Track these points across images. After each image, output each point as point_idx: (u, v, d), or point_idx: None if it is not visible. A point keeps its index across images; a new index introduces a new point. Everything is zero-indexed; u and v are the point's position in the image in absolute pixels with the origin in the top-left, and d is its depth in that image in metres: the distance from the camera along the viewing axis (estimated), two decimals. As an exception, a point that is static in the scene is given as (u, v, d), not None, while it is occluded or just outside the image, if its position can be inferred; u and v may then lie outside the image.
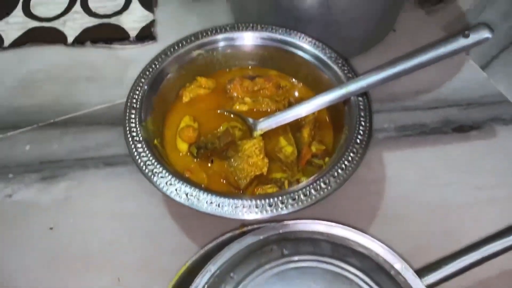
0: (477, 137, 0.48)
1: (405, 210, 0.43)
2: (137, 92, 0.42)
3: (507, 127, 0.49)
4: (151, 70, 0.44)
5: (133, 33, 0.58)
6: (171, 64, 0.45)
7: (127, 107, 0.41)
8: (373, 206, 0.43)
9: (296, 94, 0.48)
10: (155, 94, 0.43)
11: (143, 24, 0.59)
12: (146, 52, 0.55)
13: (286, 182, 0.40)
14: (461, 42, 0.39)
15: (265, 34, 0.47)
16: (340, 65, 0.44)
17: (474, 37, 0.39)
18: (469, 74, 0.53)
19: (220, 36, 0.47)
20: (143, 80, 0.43)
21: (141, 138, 0.39)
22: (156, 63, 0.44)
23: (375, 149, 0.47)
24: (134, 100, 0.42)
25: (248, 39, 0.47)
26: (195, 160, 0.42)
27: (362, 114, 0.41)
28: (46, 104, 0.51)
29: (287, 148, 0.43)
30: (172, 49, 0.45)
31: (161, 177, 0.37)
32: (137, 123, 0.40)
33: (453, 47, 0.39)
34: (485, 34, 0.39)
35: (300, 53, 0.46)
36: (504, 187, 0.45)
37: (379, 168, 0.46)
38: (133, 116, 0.41)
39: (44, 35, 0.58)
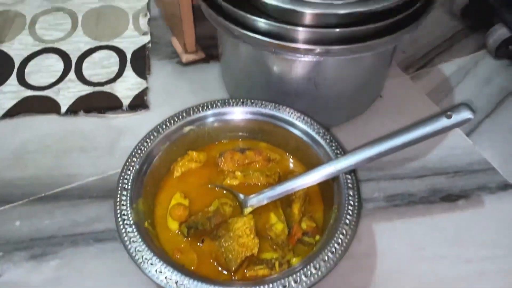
0: (464, 207, 0.49)
1: (396, 286, 0.43)
2: (129, 173, 0.42)
3: (494, 195, 0.50)
4: (142, 148, 0.44)
5: (126, 102, 0.59)
6: (163, 142, 0.45)
7: (119, 189, 0.41)
8: (364, 282, 0.43)
9: (288, 166, 0.49)
10: (146, 173, 0.44)
11: (136, 92, 0.60)
12: (139, 121, 0.57)
13: (276, 264, 0.40)
14: (444, 122, 0.41)
15: (255, 109, 0.48)
16: (328, 140, 0.45)
17: (456, 118, 0.40)
18: (455, 142, 0.55)
19: (211, 112, 0.48)
20: (134, 159, 0.43)
21: (131, 222, 0.39)
22: (148, 141, 0.45)
23: (365, 221, 0.47)
24: (126, 181, 0.42)
25: (238, 113, 0.48)
26: (185, 239, 0.42)
27: (351, 193, 0.41)
28: (38, 177, 0.52)
29: (277, 225, 0.43)
30: (163, 126, 0.46)
31: (151, 264, 0.37)
32: (128, 205, 0.40)
33: (436, 127, 0.41)
34: (467, 115, 0.40)
35: (288, 127, 0.47)
36: (492, 260, 0.45)
37: (369, 241, 0.46)
38: (124, 198, 0.41)
39: (37, 104, 0.58)
